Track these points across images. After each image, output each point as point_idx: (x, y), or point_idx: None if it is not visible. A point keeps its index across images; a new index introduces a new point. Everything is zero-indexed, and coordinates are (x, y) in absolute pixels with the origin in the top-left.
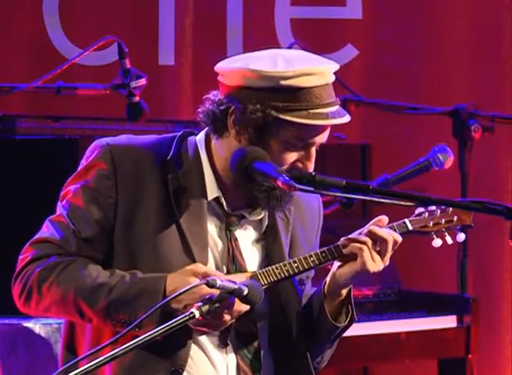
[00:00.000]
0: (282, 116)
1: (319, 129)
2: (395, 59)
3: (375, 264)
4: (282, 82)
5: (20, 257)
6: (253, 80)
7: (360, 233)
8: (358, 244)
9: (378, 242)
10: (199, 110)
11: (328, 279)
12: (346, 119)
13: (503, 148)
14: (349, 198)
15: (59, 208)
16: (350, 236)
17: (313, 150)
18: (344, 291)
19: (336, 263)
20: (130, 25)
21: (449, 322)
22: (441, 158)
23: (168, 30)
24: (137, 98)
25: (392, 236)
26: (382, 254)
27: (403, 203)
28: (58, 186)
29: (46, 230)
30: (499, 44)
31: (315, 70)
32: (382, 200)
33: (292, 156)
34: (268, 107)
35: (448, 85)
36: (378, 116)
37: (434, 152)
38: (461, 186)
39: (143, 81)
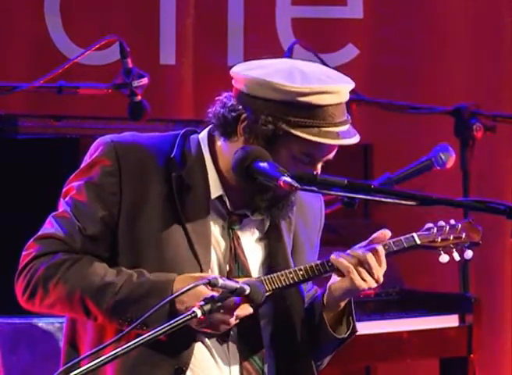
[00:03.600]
0: (292, 131)
1: (328, 147)
2: (396, 59)
3: (365, 283)
4: (298, 98)
5: (24, 253)
6: (268, 91)
7: (361, 247)
8: (345, 264)
9: (363, 263)
10: (209, 111)
11: (326, 291)
12: (355, 139)
13: (505, 148)
14: (351, 197)
15: (62, 205)
16: (341, 254)
17: (319, 165)
18: (342, 303)
19: (334, 276)
20: (131, 24)
21: (451, 321)
22: (443, 157)
23: (170, 30)
24: (139, 98)
25: (372, 256)
26: (369, 273)
27: (404, 202)
28: (59, 185)
29: (50, 226)
30: (499, 44)
31: (332, 89)
32: (383, 199)
33: (298, 170)
34: (279, 120)
35: (449, 84)
36: (379, 115)
37: (436, 152)
38: (463, 185)
39: (144, 80)
